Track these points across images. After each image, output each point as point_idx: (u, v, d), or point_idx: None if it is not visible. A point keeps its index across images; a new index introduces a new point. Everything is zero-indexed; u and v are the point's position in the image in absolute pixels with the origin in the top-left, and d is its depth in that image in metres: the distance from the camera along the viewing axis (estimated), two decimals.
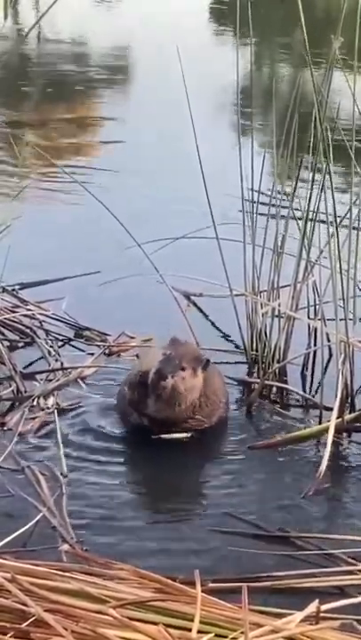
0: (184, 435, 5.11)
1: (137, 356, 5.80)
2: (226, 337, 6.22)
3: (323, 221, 5.61)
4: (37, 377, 5.68)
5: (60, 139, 10.78)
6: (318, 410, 5.35)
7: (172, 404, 5.01)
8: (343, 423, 5.21)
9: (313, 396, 5.62)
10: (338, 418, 5.10)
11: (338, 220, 5.41)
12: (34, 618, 3.38)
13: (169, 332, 5.31)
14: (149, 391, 5.01)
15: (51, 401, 5.42)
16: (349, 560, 4.17)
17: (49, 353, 5.92)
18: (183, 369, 4.98)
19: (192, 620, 3.37)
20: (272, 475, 4.90)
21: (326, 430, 5.01)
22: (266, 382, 5.62)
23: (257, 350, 5.85)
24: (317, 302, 5.83)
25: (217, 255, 5.85)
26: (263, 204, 5.94)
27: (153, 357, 5.10)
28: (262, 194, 5.95)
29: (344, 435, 5.24)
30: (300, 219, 5.76)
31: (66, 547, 4.15)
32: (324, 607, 3.53)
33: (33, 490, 4.58)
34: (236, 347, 6.07)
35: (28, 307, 6.41)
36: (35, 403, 5.38)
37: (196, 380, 5.06)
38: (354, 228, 5.53)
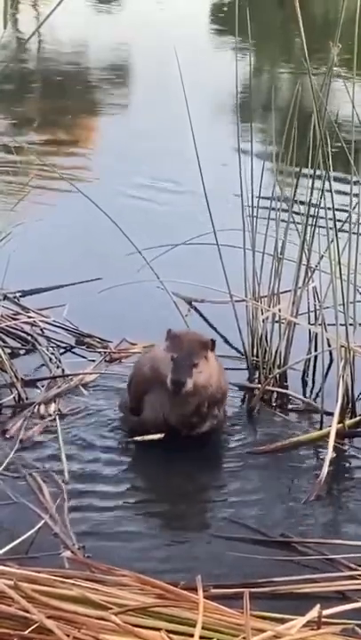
0: (158, 435, 5.09)
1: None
2: (227, 343, 6.21)
3: (322, 227, 5.62)
4: (39, 384, 5.69)
5: (60, 145, 10.80)
6: (319, 415, 5.36)
7: (200, 393, 5.00)
8: (344, 428, 5.23)
9: (314, 402, 5.63)
10: (339, 423, 5.11)
11: (337, 225, 5.42)
12: (36, 625, 3.39)
13: None
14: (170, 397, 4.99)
15: (52, 408, 5.43)
16: (351, 565, 4.17)
17: (50, 360, 5.93)
18: (196, 365, 4.95)
19: (194, 626, 3.38)
20: (273, 480, 4.90)
21: (327, 435, 5.02)
22: (267, 388, 5.63)
23: (258, 356, 5.86)
24: (318, 308, 5.84)
25: (217, 261, 5.86)
26: (264, 208, 5.95)
27: (162, 361, 5.02)
28: (263, 198, 5.96)
29: (345, 440, 5.25)
30: (299, 223, 5.77)
31: (68, 553, 4.15)
32: (325, 612, 3.54)
33: (35, 497, 4.59)
34: (237, 352, 6.07)
35: (29, 314, 6.42)
36: (36, 410, 5.39)
37: (210, 364, 5.02)
38: (354, 233, 5.54)
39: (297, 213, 5.83)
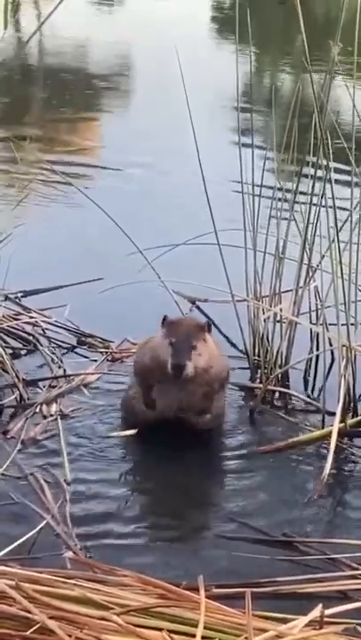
0: (132, 431, 5.16)
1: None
2: (228, 342, 6.21)
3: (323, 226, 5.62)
4: (40, 384, 5.69)
5: (60, 145, 10.80)
6: (321, 414, 5.36)
7: (202, 376, 5.01)
8: (346, 427, 5.22)
9: (315, 401, 5.63)
10: (340, 422, 5.11)
11: (339, 224, 5.42)
12: (38, 625, 3.39)
13: None
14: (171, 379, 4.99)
15: (54, 408, 5.43)
16: (353, 565, 4.17)
17: (52, 360, 5.93)
18: (195, 347, 4.96)
19: (196, 626, 3.38)
20: (275, 480, 4.90)
21: (329, 435, 5.02)
22: (268, 387, 5.63)
23: (259, 355, 5.86)
24: (319, 307, 5.84)
25: (219, 261, 5.86)
26: (265, 207, 5.95)
27: (161, 348, 5.04)
28: (264, 197, 5.96)
29: (347, 439, 5.24)
30: (300, 222, 5.76)
31: (69, 553, 4.15)
32: (327, 612, 3.54)
33: (36, 497, 4.59)
34: (239, 352, 6.07)
35: (30, 314, 6.42)
36: (38, 410, 5.39)
37: (208, 345, 5.05)
38: (354, 242, 5.53)
39: (298, 212, 5.83)
